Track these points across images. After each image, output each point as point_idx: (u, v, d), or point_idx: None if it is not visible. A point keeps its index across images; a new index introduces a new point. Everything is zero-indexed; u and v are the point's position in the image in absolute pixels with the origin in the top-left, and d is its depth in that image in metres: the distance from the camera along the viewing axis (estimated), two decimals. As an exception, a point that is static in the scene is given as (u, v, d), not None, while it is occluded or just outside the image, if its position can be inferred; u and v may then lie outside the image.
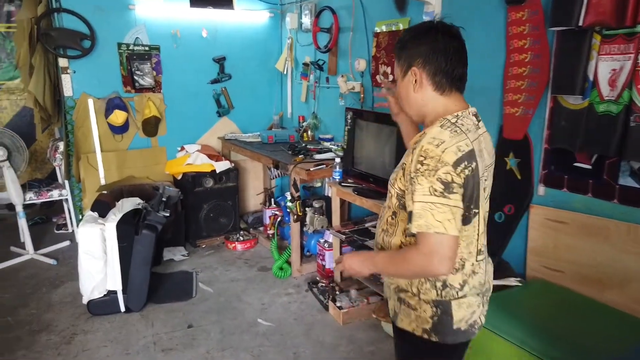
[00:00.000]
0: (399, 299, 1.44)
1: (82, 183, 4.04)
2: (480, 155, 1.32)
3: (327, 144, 4.00)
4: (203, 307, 3.24)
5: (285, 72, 4.67)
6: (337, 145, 3.84)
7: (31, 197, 4.12)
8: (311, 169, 3.35)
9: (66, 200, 4.34)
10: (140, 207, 3.33)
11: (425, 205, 1.22)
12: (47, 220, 4.91)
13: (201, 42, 4.36)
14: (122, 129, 4.10)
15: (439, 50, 1.32)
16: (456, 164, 1.23)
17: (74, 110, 3.91)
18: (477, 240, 1.37)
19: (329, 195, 3.53)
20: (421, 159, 1.24)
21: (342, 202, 3.41)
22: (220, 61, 4.45)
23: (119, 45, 3.98)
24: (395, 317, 1.48)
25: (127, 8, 3.96)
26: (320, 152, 3.73)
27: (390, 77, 3.36)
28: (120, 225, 3.02)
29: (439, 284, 1.35)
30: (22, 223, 3.94)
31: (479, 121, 1.39)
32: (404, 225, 1.39)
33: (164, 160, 4.38)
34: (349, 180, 3.22)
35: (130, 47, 4.02)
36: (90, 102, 3.93)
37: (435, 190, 1.22)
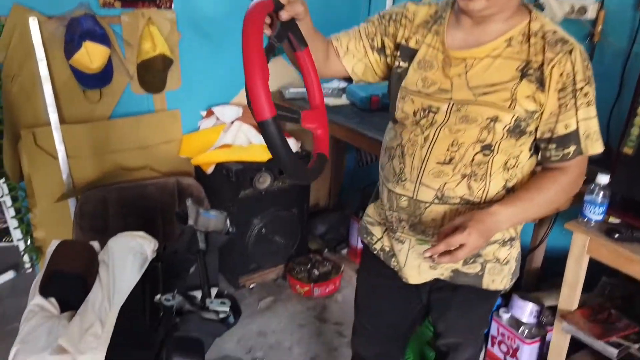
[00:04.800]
0: (482, 261, 1.16)
1: (27, 183, 2.13)
2: None
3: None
4: None
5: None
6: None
7: None
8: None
9: (4, 202, 2.43)
10: (153, 261, 1.49)
11: (596, 120, 1.01)
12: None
13: None
14: (101, 78, 2.13)
15: None
16: None
17: (-2, 40, 1.91)
18: None
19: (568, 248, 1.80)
20: (587, 62, 0.99)
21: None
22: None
23: None
24: (479, 283, 1.18)
25: None
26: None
27: None
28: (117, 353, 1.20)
29: None
30: None
31: None
32: (504, 157, 1.04)
33: (177, 134, 2.45)
34: (622, 226, 1.44)
35: None
36: (34, 24, 1.93)
37: (592, 101, 1.00)
